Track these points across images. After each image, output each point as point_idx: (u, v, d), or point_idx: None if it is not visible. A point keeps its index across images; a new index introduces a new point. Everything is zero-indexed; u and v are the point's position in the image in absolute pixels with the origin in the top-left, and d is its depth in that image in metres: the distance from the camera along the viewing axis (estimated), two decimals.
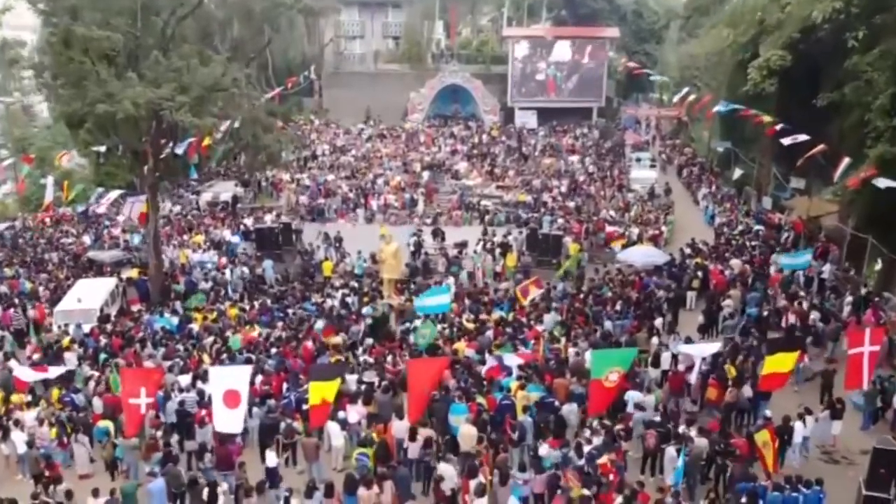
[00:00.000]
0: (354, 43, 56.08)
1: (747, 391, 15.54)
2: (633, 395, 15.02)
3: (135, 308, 23.10)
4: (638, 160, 39.52)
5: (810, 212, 30.78)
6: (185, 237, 30.55)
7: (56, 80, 20.19)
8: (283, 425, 14.42)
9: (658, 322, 19.68)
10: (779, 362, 13.78)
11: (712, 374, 16.11)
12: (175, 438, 14.13)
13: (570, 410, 14.74)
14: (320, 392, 12.73)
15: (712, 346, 15.84)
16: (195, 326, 20.40)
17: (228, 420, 12.29)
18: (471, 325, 19.19)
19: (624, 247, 25.75)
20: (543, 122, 48.98)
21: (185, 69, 18.57)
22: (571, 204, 34.44)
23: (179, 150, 21.53)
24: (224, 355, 17.88)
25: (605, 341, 18.23)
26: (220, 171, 41.19)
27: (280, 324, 20.14)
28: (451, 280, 22.93)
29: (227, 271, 25.85)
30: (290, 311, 21.16)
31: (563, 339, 18.35)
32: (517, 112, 49.87)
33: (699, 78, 49.54)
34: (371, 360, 17.37)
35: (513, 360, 15.76)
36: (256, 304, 21.92)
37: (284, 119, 51.10)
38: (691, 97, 36.23)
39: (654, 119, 52.76)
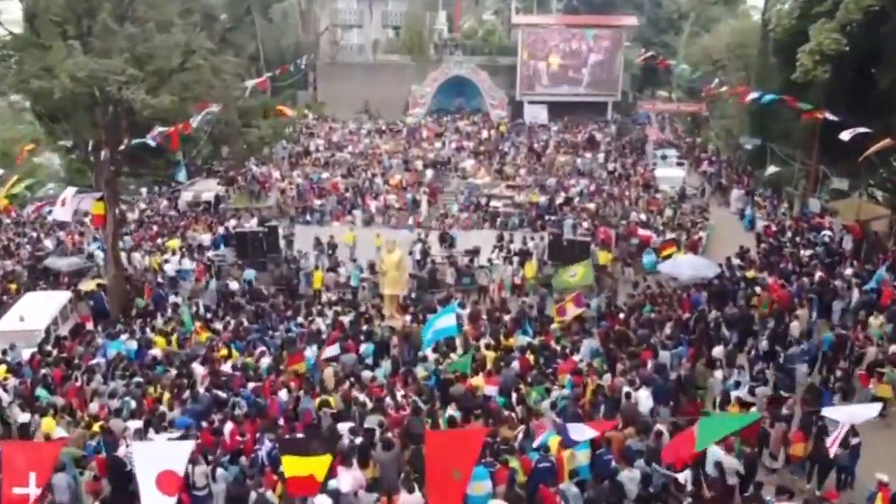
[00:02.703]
0: (352, 32, 52.46)
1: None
2: (714, 454, 11.54)
3: (88, 327, 19.60)
4: (664, 157, 36.00)
5: (860, 215, 27.42)
6: (161, 241, 27.13)
7: None
8: (253, 496, 10.92)
9: (717, 351, 16.23)
10: None
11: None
12: None
13: (629, 478, 11.22)
14: (298, 466, 9.24)
15: (870, 409, 11.33)
16: (157, 353, 16.86)
17: None
18: (491, 354, 15.66)
19: (666, 257, 22.19)
20: (554, 118, 45.49)
21: (141, 37, 15.05)
22: (592, 205, 31.06)
23: (150, 140, 17.82)
24: (187, 393, 14.36)
25: (660, 376, 14.78)
26: (203, 167, 37.52)
27: (259, 350, 16.64)
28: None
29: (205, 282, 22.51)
30: (271, 333, 17.62)
31: (607, 373, 14.89)
32: (526, 106, 46.37)
33: (723, 70, 46.24)
34: (368, 399, 13.85)
35: (583, 431, 10.59)
36: (232, 323, 18.32)
37: (277, 113, 47.90)
38: (723, 88, 32.69)
39: (666, 115, 49.42)
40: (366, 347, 16.24)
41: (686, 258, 20.51)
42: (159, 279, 22.31)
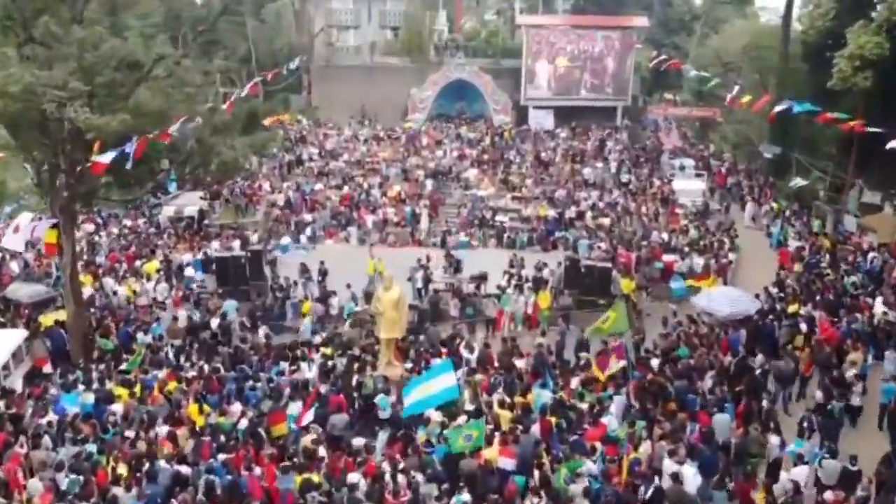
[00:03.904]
0: (348, 33, 50.10)
1: None
2: None
3: (46, 370, 17.27)
4: (682, 168, 33.60)
5: None
6: (139, 263, 24.79)
7: None
8: None
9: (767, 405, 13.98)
10: None
11: None
12: None
13: None
14: None
15: None
16: (118, 408, 14.51)
17: None
18: (506, 414, 13.36)
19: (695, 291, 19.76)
20: (561, 123, 43.12)
21: (90, 42, 12.64)
22: (606, 221, 28.75)
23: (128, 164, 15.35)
24: (146, 466, 12.04)
25: (707, 445, 12.52)
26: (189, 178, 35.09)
27: (235, 406, 14.29)
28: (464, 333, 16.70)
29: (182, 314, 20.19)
30: (251, 382, 15.25)
31: (645, 441, 12.59)
32: (531, 111, 43.96)
33: (737, 73, 43.93)
34: (362, 479, 11.55)
35: None
36: (206, 369, 15.91)
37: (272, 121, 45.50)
38: (746, 98, 30.23)
39: (672, 120, 46.98)
40: (381, 399, 13.90)
41: (721, 291, 18.10)
42: (130, 312, 19.96)
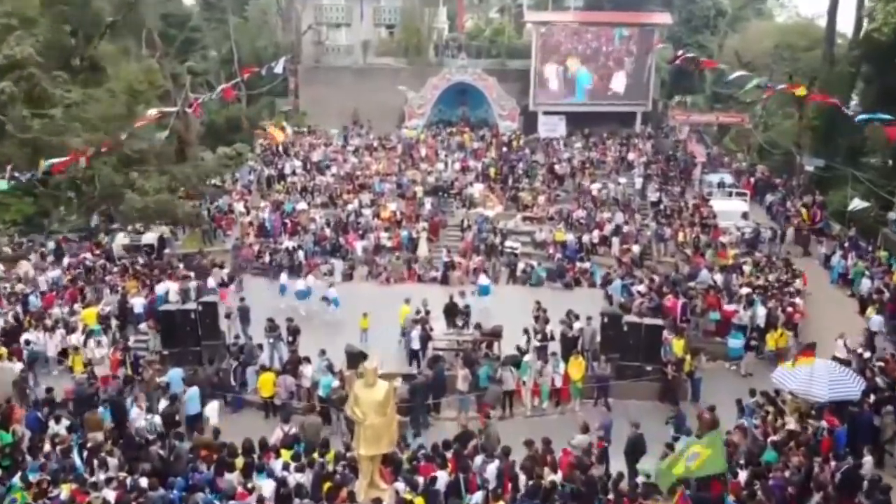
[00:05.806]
0: (339, 32, 45.78)
1: None
2: None
3: None
4: (720, 185, 29.36)
5: None
6: (77, 306, 20.62)
7: None
8: None
9: None
10: None
11: None
12: None
13: None
14: None
15: None
16: None
17: None
18: None
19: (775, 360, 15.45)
20: (574, 131, 38.82)
21: None
22: (635, 248, 24.68)
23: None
24: None
25: None
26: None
27: None
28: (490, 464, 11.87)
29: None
30: None
31: None
32: (541, 118, 39.64)
33: (765, 73, 39.81)
34: None
35: None
36: (129, 483, 11.63)
37: (253, 124, 41.45)
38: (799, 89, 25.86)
39: (686, 128, 42.85)
40: None
41: (816, 367, 13.67)
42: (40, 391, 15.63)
